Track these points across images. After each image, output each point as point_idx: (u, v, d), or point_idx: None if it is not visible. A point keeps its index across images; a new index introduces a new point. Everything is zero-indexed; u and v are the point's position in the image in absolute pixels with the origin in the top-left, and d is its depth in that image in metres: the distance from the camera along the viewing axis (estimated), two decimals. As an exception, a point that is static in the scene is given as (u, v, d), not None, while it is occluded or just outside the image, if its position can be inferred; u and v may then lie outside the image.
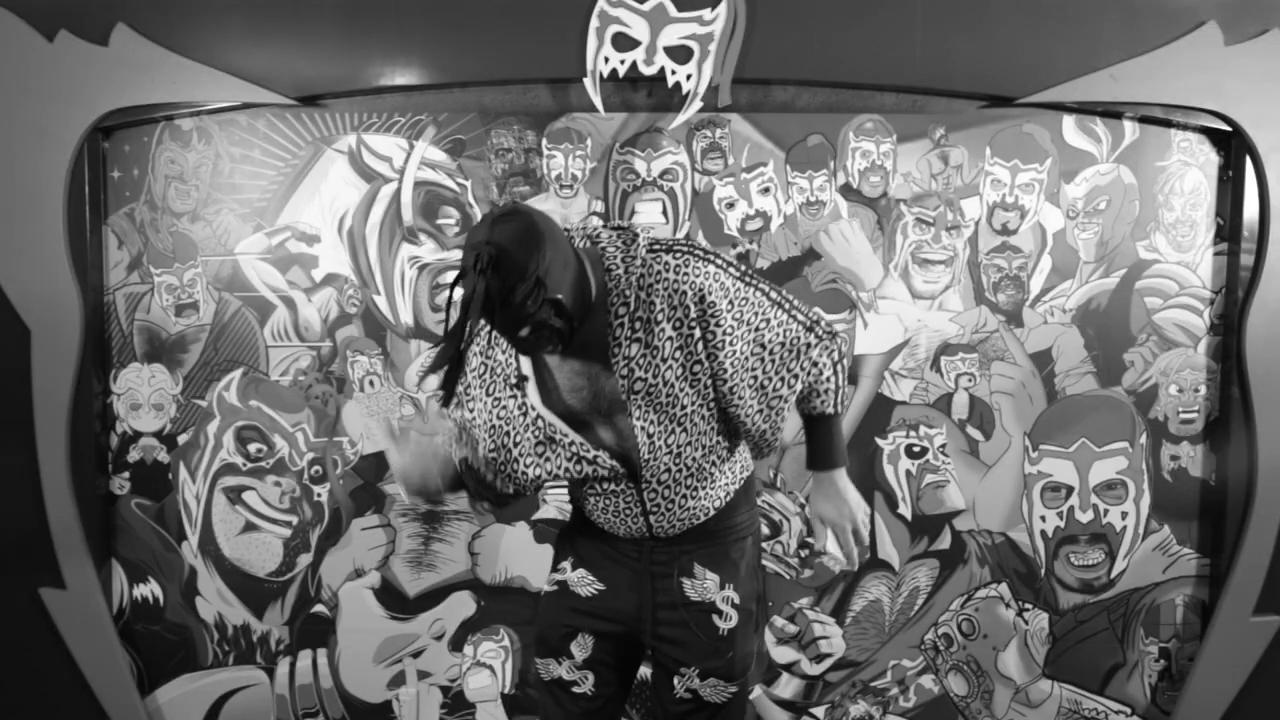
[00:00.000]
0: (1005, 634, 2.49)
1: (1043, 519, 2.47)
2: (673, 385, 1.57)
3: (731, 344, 1.57)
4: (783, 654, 2.47)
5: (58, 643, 2.40)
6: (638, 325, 1.55)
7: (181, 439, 2.44)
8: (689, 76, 2.32)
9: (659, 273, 1.55)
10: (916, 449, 2.44)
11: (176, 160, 2.39)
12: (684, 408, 1.59)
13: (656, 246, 1.57)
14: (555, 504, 2.43)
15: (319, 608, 2.47)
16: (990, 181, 2.40)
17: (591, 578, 1.73)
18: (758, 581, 1.78)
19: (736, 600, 1.71)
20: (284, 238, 2.40)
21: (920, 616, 2.48)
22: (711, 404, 1.61)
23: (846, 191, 2.40)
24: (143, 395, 2.44)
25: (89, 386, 2.38)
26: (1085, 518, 2.47)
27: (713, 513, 1.69)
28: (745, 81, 2.33)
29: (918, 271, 2.41)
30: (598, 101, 2.33)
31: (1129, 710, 2.52)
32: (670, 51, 2.31)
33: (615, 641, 1.73)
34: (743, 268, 1.62)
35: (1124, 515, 2.47)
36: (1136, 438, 2.46)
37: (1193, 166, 2.41)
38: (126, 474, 2.45)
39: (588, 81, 2.32)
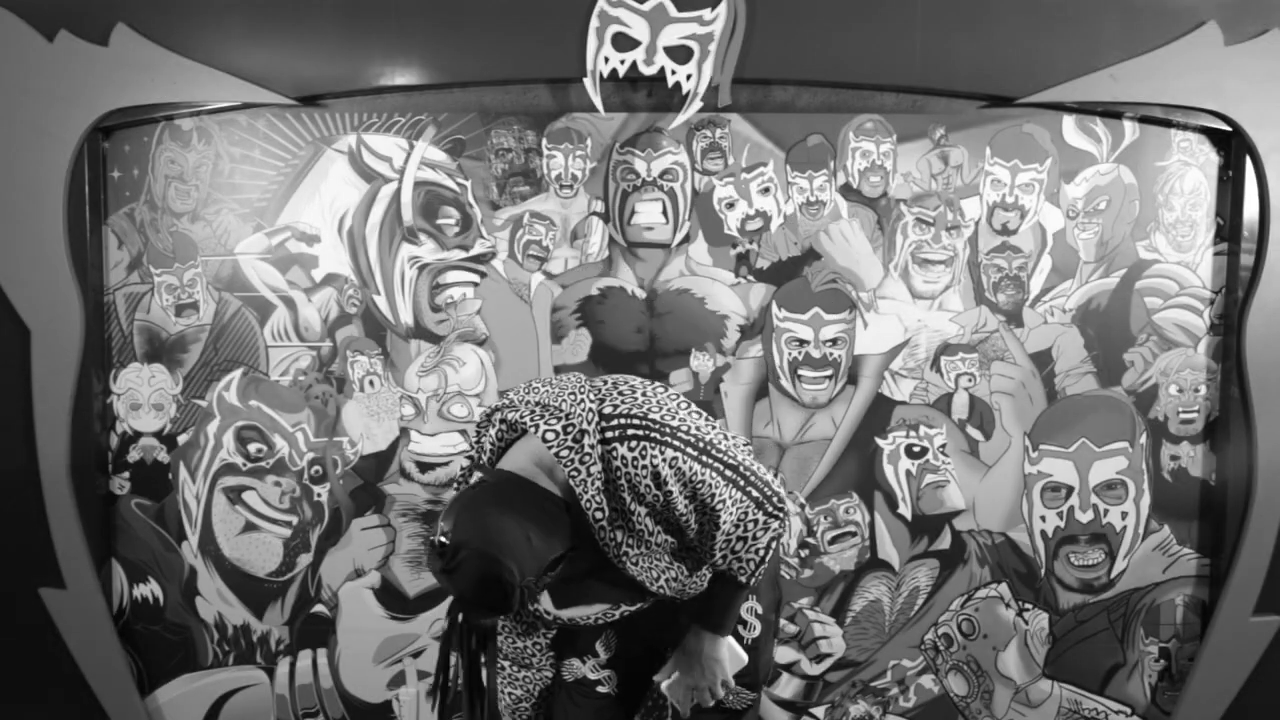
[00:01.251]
0: (1005, 634, 2.49)
1: (1043, 519, 2.47)
2: (660, 549, 1.57)
3: (688, 520, 1.54)
4: (783, 654, 2.47)
5: (58, 643, 2.40)
6: (616, 520, 1.52)
7: (181, 439, 2.44)
8: (689, 76, 2.32)
9: (617, 468, 1.49)
10: (916, 449, 2.44)
11: (176, 160, 2.39)
12: (676, 560, 1.59)
13: (610, 435, 1.50)
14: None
15: (319, 608, 2.47)
16: (990, 181, 2.40)
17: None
18: (778, 590, 1.79)
19: (759, 610, 1.72)
20: (284, 238, 2.40)
21: (920, 616, 2.48)
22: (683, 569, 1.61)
23: (846, 191, 2.40)
24: (143, 395, 2.44)
25: (89, 386, 2.38)
26: (1085, 518, 2.47)
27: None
28: (745, 81, 2.33)
29: (918, 271, 2.41)
30: (598, 101, 2.33)
31: (1129, 710, 2.52)
32: (670, 51, 2.31)
33: (639, 642, 1.75)
34: (701, 443, 1.54)
35: (1124, 515, 2.47)
36: (1136, 438, 2.46)
37: (1193, 166, 2.41)
38: (126, 474, 2.45)
39: (588, 81, 2.32)
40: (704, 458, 1.53)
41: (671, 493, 1.50)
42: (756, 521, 1.58)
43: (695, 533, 1.55)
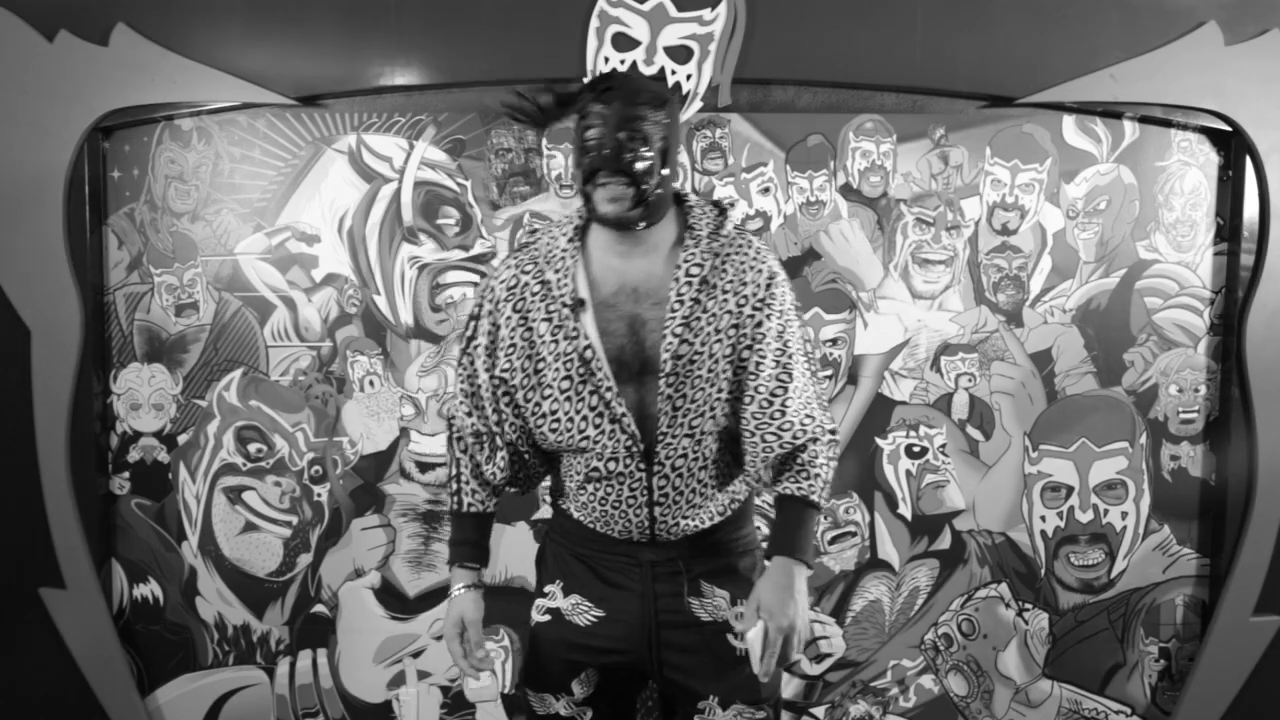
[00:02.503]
0: (1005, 634, 2.49)
1: (1043, 519, 2.47)
2: (717, 362, 1.51)
3: (770, 341, 1.53)
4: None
5: (58, 643, 2.40)
6: (703, 288, 1.52)
7: (181, 439, 2.44)
8: (689, 76, 2.32)
9: (740, 247, 1.55)
10: (916, 449, 2.45)
11: (176, 160, 2.39)
12: (719, 391, 1.52)
13: (744, 229, 1.57)
14: (555, 504, 2.43)
15: (319, 608, 2.47)
16: (990, 181, 2.40)
17: (587, 604, 1.61)
18: None
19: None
20: (284, 238, 2.40)
21: (920, 616, 2.48)
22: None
23: (846, 191, 2.40)
24: (143, 395, 2.44)
25: (89, 386, 2.38)
26: (1085, 518, 2.47)
27: (717, 520, 1.60)
28: (745, 81, 2.33)
29: (918, 271, 2.41)
30: (598, 101, 2.33)
31: (1129, 710, 2.52)
32: (670, 51, 2.31)
33: (617, 674, 1.63)
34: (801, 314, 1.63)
35: (1124, 515, 2.47)
36: (1136, 438, 2.46)
37: (1193, 166, 2.41)
38: (126, 474, 2.45)
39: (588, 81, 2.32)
40: (798, 322, 1.60)
41: (772, 301, 1.53)
42: (814, 418, 1.57)
43: (763, 379, 1.52)
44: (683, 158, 2.37)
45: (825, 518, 2.44)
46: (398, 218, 2.39)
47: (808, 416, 1.57)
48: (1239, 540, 2.41)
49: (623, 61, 2.30)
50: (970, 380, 2.44)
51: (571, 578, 1.64)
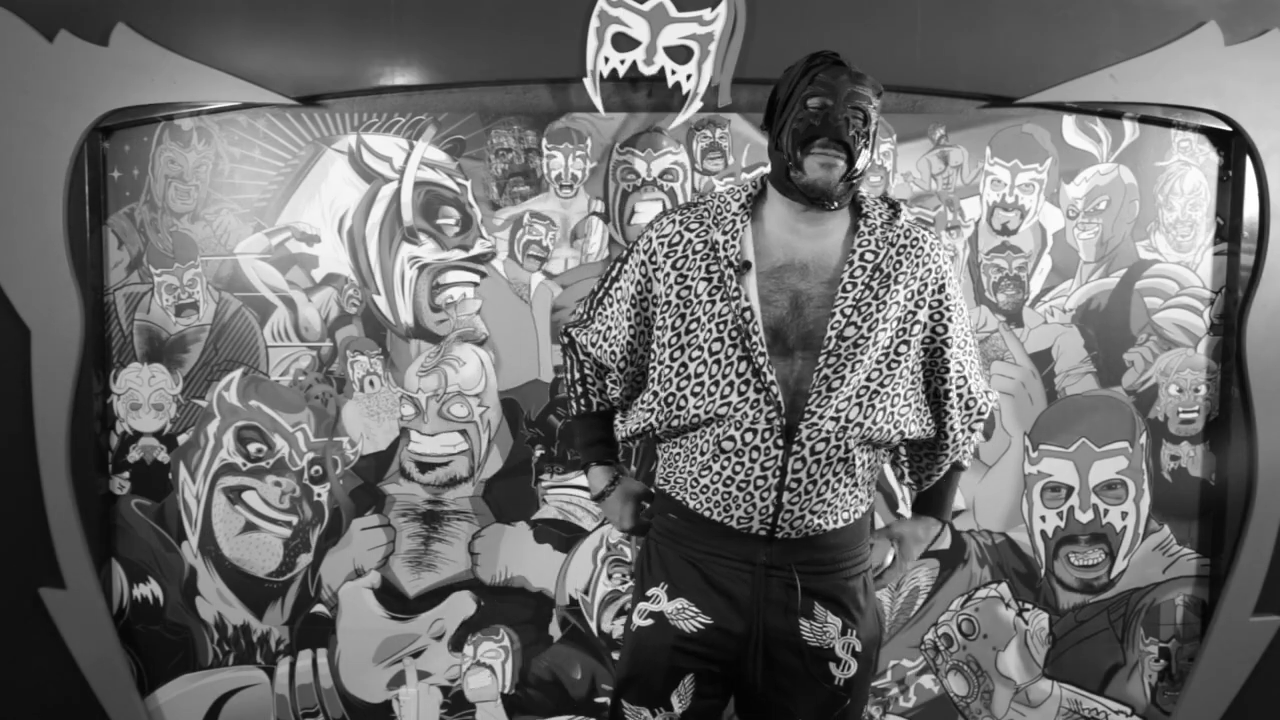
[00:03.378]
0: (1005, 634, 2.49)
1: (1043, 519, 2.47)
2: (881, 349, 1.51)
3: (948, 342, 1.61)
4: (783, 654, 2.47)
5: (58, 643, 2.40)
6: (876, 275, 1.53)
7: (181, 439, 2.44)
8: (689, 76, 2.32)
9: (915, 240, 1.57)
10: (916, 449, 2.44)
11: (176, 160, 2.39)
12: (877, 382, 1.51)
13: (917, 223, 1.60)
14: (555, 504, 2.43)
15: (319, 608, 2.47)
16: (990, 181, 2.40)
17: (694, 609, 1.54)
18: (880, 624, 1.65)
19: (858, 648, 1.56)
20: (284, 238, 2.40)
21: (920, 616, 2.48)
22: (896, 396, 1.55)
23: (846, 191, 2.39)
24: (143, 395, 2.44)
25: (89, 386, 2.38)
26: (1085, 518, 2.47)
27: (840, 526, 1.55)
28: (745, 81, 2.33)
29: (918, 271, 2.41)
30: (598, 101, 2.33)
31: (1129, 710, 2.52)
32: (670, 51, 2.31)
33: (715, 682, 1.57)
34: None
35: (1124, 515, 2.47)
36: (1136, 438, 2.46)
37: (1193, 166, 2.41)
38: (126, 474, 2.45)
39: (588, 81, 2.32)
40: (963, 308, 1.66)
41: (950, 296, 1.59)
42: (989, 394, 1.69)
43: (948, 360, 1.61)
44: (683, 158, 2.38)
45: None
46: (398, 218, 2.39)
47: (985, 401, 1.69)
48: (1239, 540, 2.41)
49: (623, 61, 2.30)
50: (970, 380, 2.43)
51: (679, 580, 1.57)
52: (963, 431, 1.67)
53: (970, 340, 1.68)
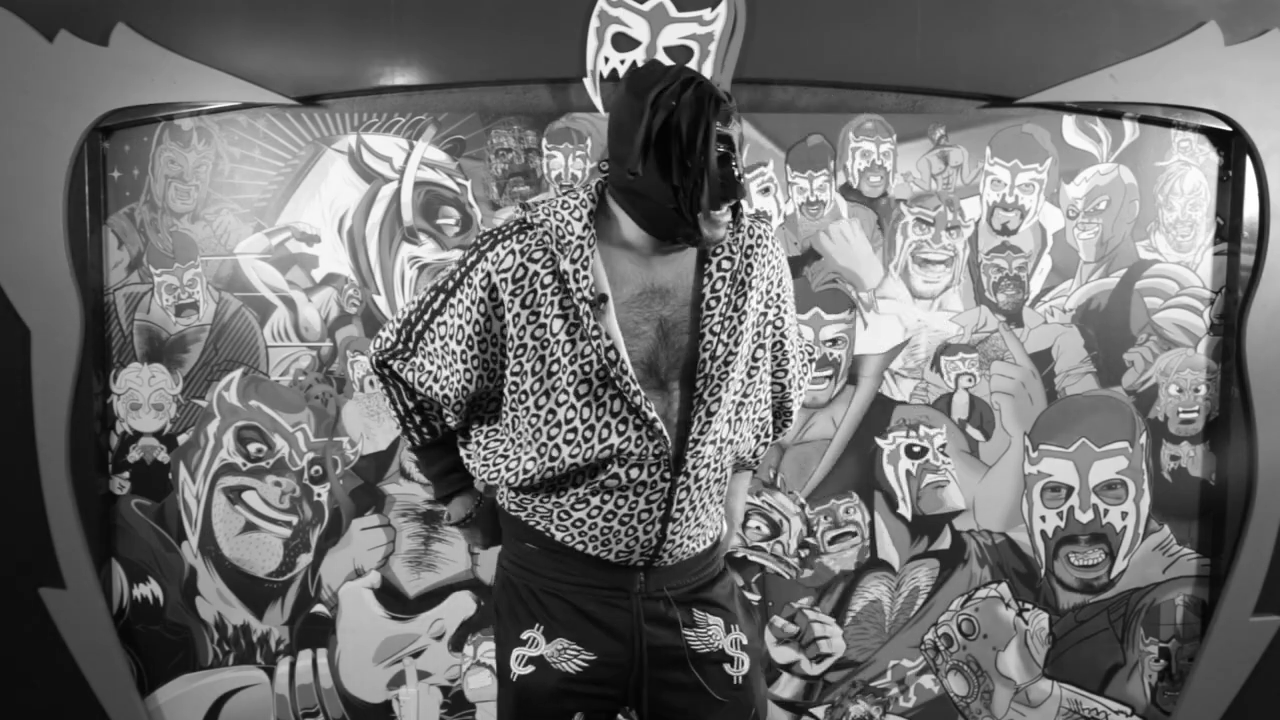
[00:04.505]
0: (1005, 634, 2.49)
1: (1043, 519, 2.47)
2: (742, 361, 1.45)
3: (789, 341, 1.60)
4: (783, 654, 2.47)
5: (58, 643, 2.40)
6: (734, 285, 1.45)
7: (181, 439, 2.44)
8: (689, 76, 2.32)
9: (760, 239, 1.48)
10: (916, 449, 2.44)
11: (176, 160, 2.39)
12: (744, 396, 1.48)
13: (757, 218, 1.52)
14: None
15: (319, 608, 2.47)
16: (990, 181, 2.40)
17: (576, 647, 1.46)
18: (751, 615, 1.68)
19: (744, 641, 1.53)
20: (284, 238, 2.40)
21: (920, 616, 2.48)
22: (759, 402, 1.54)
23: (846, 191, 2.40)
24: (143, 395, 2.44)
25: (89, 386, 2.38)
26: (1085, 518, 2.47)
27: (709, 543, 1.53)
28: (745, 81, 2.33)
29: (918, 271, 2.41)
30: (598, 101, 2.33)
31: (1129, 710, 2.52)
32: (670, 51, 2.31)
33: (609, 715, 1.52)
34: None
35: (1124, 515, 2.47)
36: (1136, 438, 2.46)
37: (1193, 166, 2.41)
38: (126, 474, 2.45)
39: (588, 81, 2.32)
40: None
41: (785, 288, 1.57)
42: (803, 371, 1.69)
43: (776, 362, 1.61)
44: (683, 158, 2.37)
45: (825, 518, 2.44)
46: (398, 218, 2.39)
47: (800, 375, 1.69)
48: (1239, 540, 2.41)
49: (623, 61, 2.30)
50: (970, 380, 2.44)
51: (553, 619, 1.47)
52: (781, 425, 1.71)
53: (791, 313, 1.63)
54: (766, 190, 2.38)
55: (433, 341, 1.49)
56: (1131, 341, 2.45)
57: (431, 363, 1.50)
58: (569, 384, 1.39)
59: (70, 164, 2.30)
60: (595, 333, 1.37)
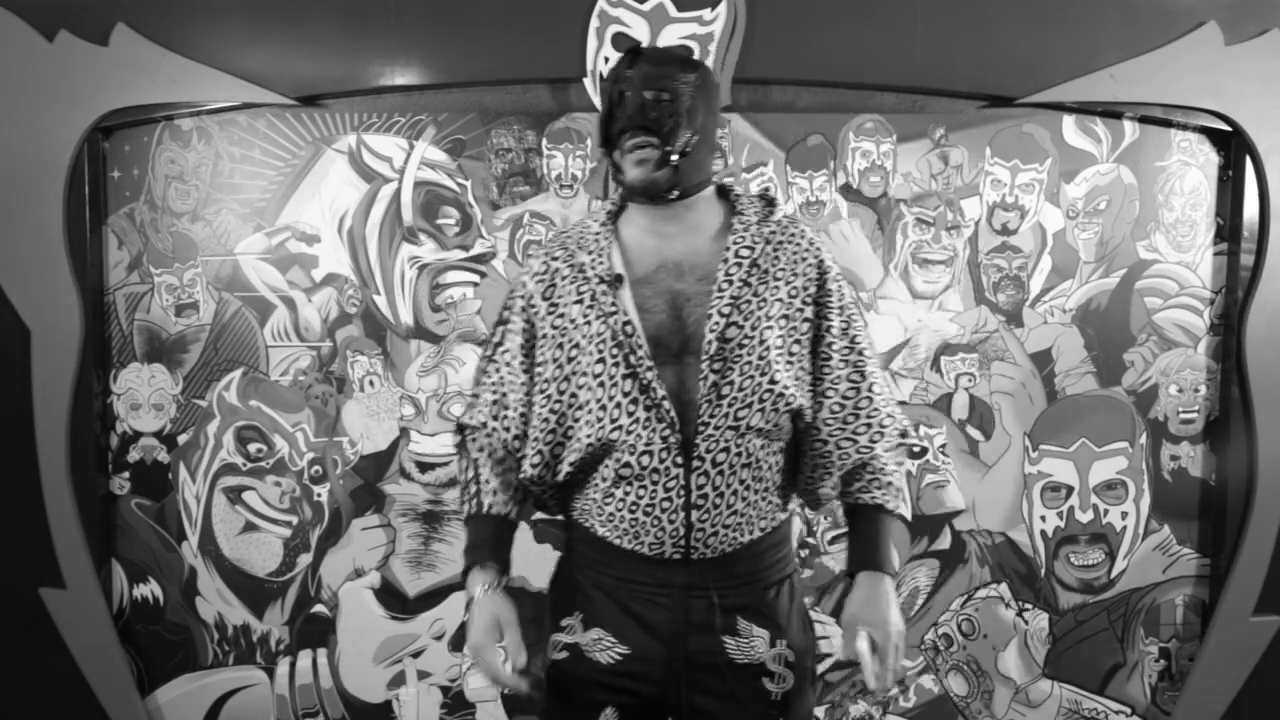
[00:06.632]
0: (1005, 634, 2.49)
1: (1043, 519, 2.47)
2: (768, 350, 1.41)
3: (836, 340, 1.48)
4: (783, 654, 2.47)
5: (58, 643, 2.40)
6: (754, 271, 1.44)
7: (181, 439, 2.44)
8: (689, 76, 2.32)
9: (792, 236, 1.48)
10: (917, 449, 2.44)
11: (176, 160, 2.39)
12: (770, 382, 1.41)
13: (796, 218, 1.52)
14: (555, 504, 2.43)
15: (319, 608, 2.47)
16: (990, 181, 2.40)
17: (611, 639, 1.45)
18: (811, 632, 1.55)
19: (790, 658, 1.46)
20: (284, 238, 2.40)
21: (920, 616, 2.48)
22: (793, 395, 1.43)
23: (846, 191, 2.40)
24: (143, 395, 2.44)
25: (89, 386, 2.38)
26: (1085, 518, 2.47)
27: (758, 535, 1.46)
28: (745, 81, 2.33)
29: (918, 271, 2.41)
30: (597, 101, 2.33)
31: (1129, 710, 2.52)
32: (670, 51, 2.31)
33: (639, 713, 1.46)
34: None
35: (1124, 515, 2.47)
36: (1136, 438, 2.46)
37: (1193, 166, 2.41)
38: (126, 474, 2.45)
39: (588, 81, 2.32)
40: (861, 313, 1.52)
41: (829, 299, 1.47)
42: (893, 418, 1.49)
43: (831, 381, 1.46)
44: (683, 158, 2.37)
45: (825, 518, 2.44)
46: (398, 218, 2.39)
47: (889, 416, 1.49)
48: (1239, 540, 2.41)
49: (623, 61, 2.30)
50: (970, 380, 2.44)
51: (592, 610, 1.48)
52: (839, 460, 1.48)
53: (867, 353, 1.51)
54: (766, 190, 2.38)
55: (496, 373, 1.53)
56: (1131, 341, 2.45)
57: (495, 392, 1.52)
58: (587, 365, 1.42)
59: (70, 164, 2.30)
60: (613, 308, 1.41)
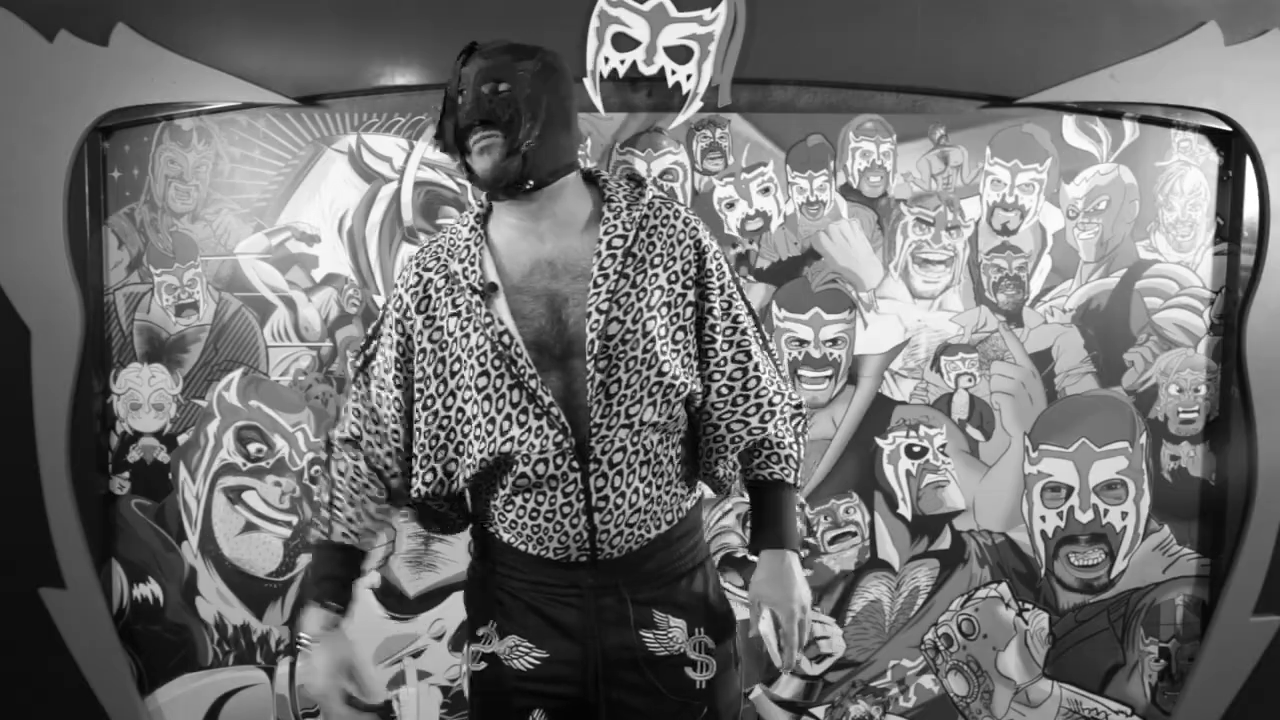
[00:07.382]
0: (1005, 634, 2.49)
1: (1043, 519, 2.47)
2: (653, 341, 1.38)
3: (719, 321, 1.46)
4: (783, 654, 2.47)
5: (58, 643, 2.40)
6: (629, 260, 1.40)
7: (181, 439, 2.44)
8: (689, 76, 2.32)
9: (666, 218, 1.45)
10: (916, 449, 2.45)
11: (176, 160, 2.39)
12: (658, 374, 1.38)
13: (669, 198, 1.49)
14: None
15: (319, 608, 2.46)
16: (990, 181, 2.40)
17: (527, 645, 1.44)
18: (726, 609, 1.53)
19: (710, 644, 1.46)
20: (284, 238, 2.40)
21: (920, 616, 2.48)
22: (684, 384, 1.41)
23: (846, 191, 2.40)
24: (143, 395, 2.44)
25: (89, 386, 2.38)
26: (1085, 518, 2.47)
27: (665, 528, 1.44)
28: (745, 81, 2.33)
29: (918, 271, 2.41)
30: (598, 101, 2.33)
31: (1129, 710, 2.52)
32: (670, 51, 2.31)
33: (567, 715, 1.46)
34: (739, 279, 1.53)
35: (1124, 515, 2.47)
36: (1136, 438, 2.46)
37: (1193, 166, 2.42)
38: (126, 474, 2.45)
39: (588, 81, 2.32)
40: (742, 293, 1.50)
41: (709, 278, 1.45)
42: (781, 395, 1.48)
43: (717, 363, 1.45)
44: (683, 158, 2.37)
45: (825, 518, 2.44)
46: (398, 218, 2.39)
47: (777, 394, 1.48)
48: (1239, 540, 2.41)
49: (623, 61, 2.30)
50: (970, 380, 2.44)
51: (506, 617, 1.46)
52: (731, 443, 1.47)
53: (750, 330, 1.49)
54: (767, 190, 2.38)
55: (367, 385, 1.51)
56: (1131, 341, 2.45)
57: (365, 404, 1.50)
58: (471, 380, 1.39)
59: (70, 164, 2.30)
60: (487, 319, 1.38)
